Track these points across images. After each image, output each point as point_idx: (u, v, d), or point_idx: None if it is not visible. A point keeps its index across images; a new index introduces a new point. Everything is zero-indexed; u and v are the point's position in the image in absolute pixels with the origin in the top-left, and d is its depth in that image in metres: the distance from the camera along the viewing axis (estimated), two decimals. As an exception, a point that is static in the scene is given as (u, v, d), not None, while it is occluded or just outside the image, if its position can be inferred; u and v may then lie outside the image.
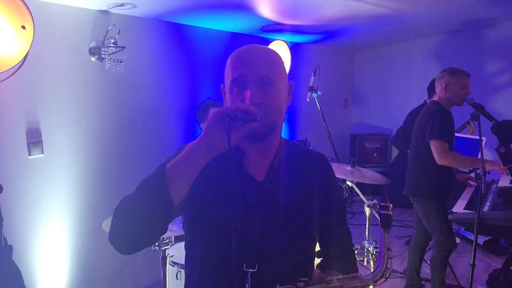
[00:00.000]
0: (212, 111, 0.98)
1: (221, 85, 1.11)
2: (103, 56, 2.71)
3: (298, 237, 1.07)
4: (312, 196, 1.11)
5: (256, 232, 1.03)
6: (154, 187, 0.92)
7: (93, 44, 2.72)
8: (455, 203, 2.90)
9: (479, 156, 2.55)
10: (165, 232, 0.99)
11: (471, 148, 3.70)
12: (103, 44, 2.75)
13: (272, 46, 3.50)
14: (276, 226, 1.05)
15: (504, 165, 0.97)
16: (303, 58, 5.02)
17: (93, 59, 2.74)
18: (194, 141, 0.96)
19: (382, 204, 1.04)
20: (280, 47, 3.77)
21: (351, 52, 6.29)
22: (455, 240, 2.98)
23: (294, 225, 1.07)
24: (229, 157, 1.05)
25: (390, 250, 1.01)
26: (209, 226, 1.05)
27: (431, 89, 3.83)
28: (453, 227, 3.01)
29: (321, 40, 4.98)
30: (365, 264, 2.59)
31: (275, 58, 1.08)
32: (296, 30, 4.18)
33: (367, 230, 2.61)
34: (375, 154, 5.77)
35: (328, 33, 4.61)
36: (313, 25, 4.08)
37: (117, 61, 2.72)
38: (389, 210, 1.03)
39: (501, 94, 5.04)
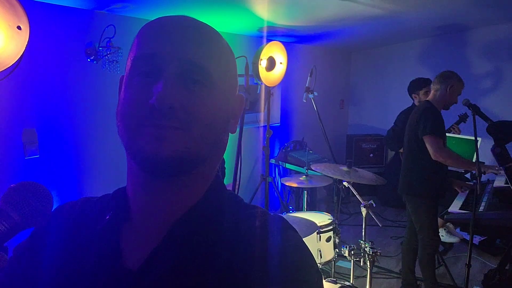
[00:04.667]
0: None
1: (121, 76, 0.65)
2: (99, 56, 2.70)
3: None
4: None
5: None
6: None
7: (89, 44, 2.71)
8: (451, 203, 2.91)
9: (475, 157, 2.57)
10: None
11: (466, 149, 3.71)
12: (99, 44, 2.74)
13: (269, 46, 3.50)
14: None
15: (500, 165, 0.97)
16: (300, 59, 5.03)
17: (89, 59, 2.73)
18: None
19: None
20: (277, 48, 3.77)
21: (347, 53, 6.31)
22: (440, 238, 3.02)
23: None
24: (104, 222, 0.63)
25: None
26: None
27: (414, 89, 3.89)
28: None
29: (318, 41, 4.98)
30: (361, 264, 2.59)
31: (220, 43, 0.64)
32: (292, 30, 4.19)
33: (363, 230, 2.62)
34: (371, 155, 5.78)
35: (324, 34, 4.62)
36: (309, 26, 4.09)
37: (113, 62, 2.72)
38: None
39: (490, 94, 5.09)
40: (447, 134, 3.64)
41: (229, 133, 0.67)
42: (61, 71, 2.60)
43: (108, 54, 2.68)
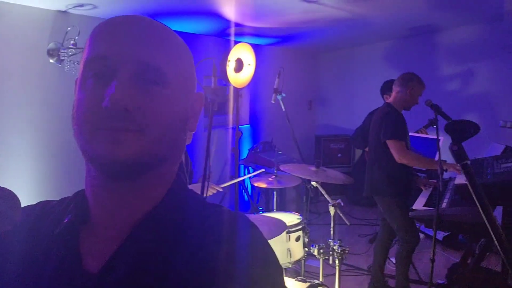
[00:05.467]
0: None
1: (76, 79, 0.63)
2: (62, 57, 2.63)
3: None
4: None
5: None
6: None
7: (51, 45, 2.64)
8: (415, 201, 3.00)
9: (437, 157, 2.66)
10: None
11: (429, 148, 3.83)
12: (62, 45, 2.67)
13: (237, 48, 3.50)
14: None
15: (457, 163, 1.02)
16: (268, 60, 5.06)
17: (51, 60, 2.65)
18: None
19: None
20: (245, 49, 3.79)
21: (315, 54, 6.39)
22: (419, 236, 3.09)
23: None
24: (62, 226, 0.62)
25: None
26: None
27: (386, 90, 3.95)
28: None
29: (285, 42, 5.03)
30: (330, 262, 2.63)
31: (175, 42, 0.62)
32: (260, 32, 4.21)
33: (332, 229, 2.66)
34: (339, 155, 5.88)
35: (292, 36, 4.66)
36: (277, 27, 4.12)
37: (77, 63, 2.65)
38: None
39: (455, 95, 5.28)
40: (414, 134, 3.76)
41: (193, 133, 0.66)
42: (21, 72, 2.52)
43: (72, 55, 2.62)
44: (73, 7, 2.65)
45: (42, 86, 2.64)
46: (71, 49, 2.61)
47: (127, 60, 0.56)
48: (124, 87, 0.55)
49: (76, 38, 2.63)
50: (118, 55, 0.56)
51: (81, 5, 2.64)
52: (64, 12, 2.70)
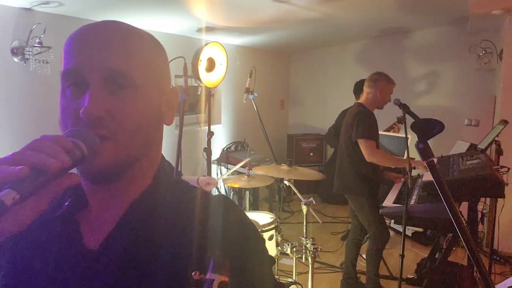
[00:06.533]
0: None
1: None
2: (27, 56, 2.55)
3: None
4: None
5: None
6: None
7: (15, 43, 2.55)
8: (385, 198, 3.06)
9: (406, 154, 2.72)
10: None
11: (399, 146, 3.92)
12: (27, 44, 2.59)
13: (209, 47, 3.48)
14: None
15: (423, 160, 1.05)
16: (240, 59, 5.05)
17: (16, 59, 2.57)
18: None
19: None
20: (217, 49, 3.78)
21: (287, 54, 6.44)
22: (389, 232, 3.16)
23: None
24: (63, 209, 0.68)
25: None
26: None
27: (358, 90, 4.02)
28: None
29: (257, 42, 5.04)
30: (303, 261, 2.65)
31: (140, 42, 0.67)
32: (232, 31, 4.20)
33: (304, 227, 2.68)
34: (311, 154, 5.94)
35: (263, 35, 4.68)
36: (248, 27, 4.12)
37: (42, 62, 2.57)
38: None
39: (425, 94, 5.43)
40: (384, 133, 3.84)
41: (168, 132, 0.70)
42: (-16, 71, 2.43)
43: (37, 54, 2.54)
44: (38, 4, 2.57)
45: (6, 86, 2.55)
46: (36, 48, 2.53)
47: (96, 69, 0.61)
48: (96, 97, 0.60)
49: (42, 36, 2.55)
50: (88, 65, 0.61)
51: (47, 3, 2.57)
52: (29, 9, 2.62)
